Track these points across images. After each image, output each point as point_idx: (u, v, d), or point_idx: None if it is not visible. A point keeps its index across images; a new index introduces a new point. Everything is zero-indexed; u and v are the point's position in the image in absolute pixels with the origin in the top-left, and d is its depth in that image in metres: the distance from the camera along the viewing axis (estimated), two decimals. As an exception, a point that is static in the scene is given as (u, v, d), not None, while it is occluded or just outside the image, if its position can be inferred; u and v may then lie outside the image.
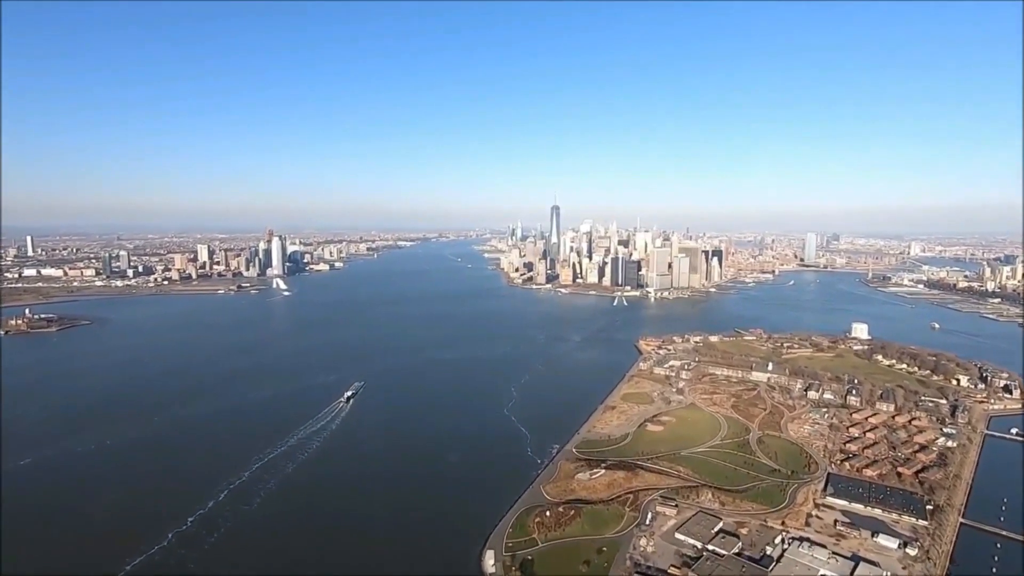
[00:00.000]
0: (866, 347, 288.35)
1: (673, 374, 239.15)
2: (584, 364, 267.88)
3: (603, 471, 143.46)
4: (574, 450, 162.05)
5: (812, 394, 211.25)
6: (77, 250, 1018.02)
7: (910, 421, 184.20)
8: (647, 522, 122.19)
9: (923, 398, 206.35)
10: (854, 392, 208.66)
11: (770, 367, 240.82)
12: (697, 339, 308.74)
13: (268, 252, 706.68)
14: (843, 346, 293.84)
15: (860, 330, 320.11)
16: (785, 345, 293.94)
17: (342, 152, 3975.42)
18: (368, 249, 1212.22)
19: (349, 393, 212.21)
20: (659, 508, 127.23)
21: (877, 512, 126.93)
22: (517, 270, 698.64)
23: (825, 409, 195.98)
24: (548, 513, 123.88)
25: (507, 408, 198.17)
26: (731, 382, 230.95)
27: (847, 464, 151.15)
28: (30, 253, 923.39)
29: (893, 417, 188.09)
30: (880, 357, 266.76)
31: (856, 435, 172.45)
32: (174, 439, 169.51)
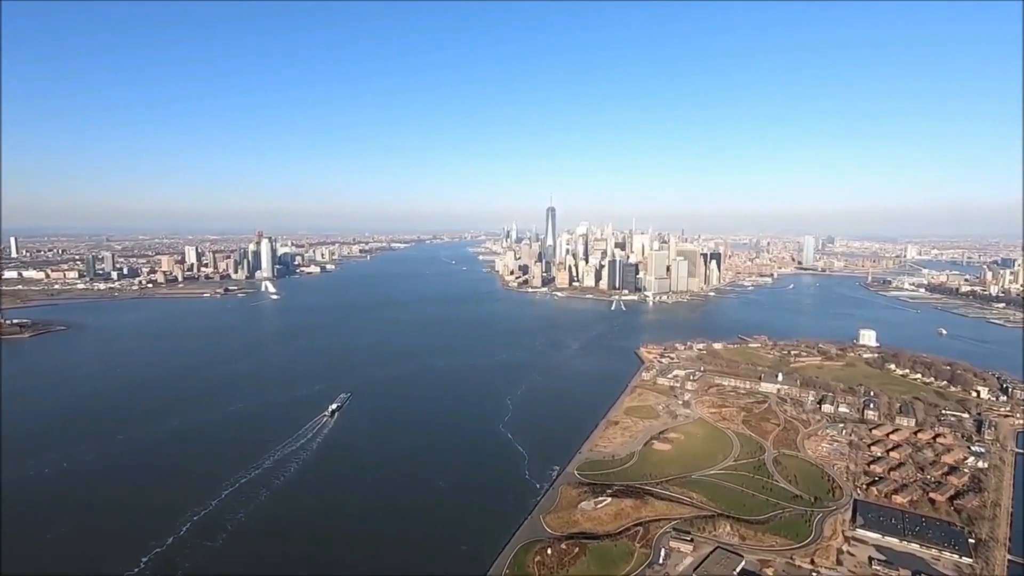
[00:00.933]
0: (876, 355, 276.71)
1: (678, 385, 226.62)
2: (583, 373, 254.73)
3: (609, 499, 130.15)
4: (576, 473, 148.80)
5: (827, 407, 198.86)
6: (63, 251, 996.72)
7: (934, 438, 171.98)
8: (660, 561, 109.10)
9: (944, 412, 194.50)
10: (871, 406, 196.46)
11: (780, 377, 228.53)
12: (700, 346, 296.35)
13: (257, 254, 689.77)
14: (852, 354, 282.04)
15: (868, 337, 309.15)
16: (792, 353, 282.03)
17: (337, 154, 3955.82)
18: (361, 251, 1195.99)
19: (334, 406, 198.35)
20: (673, 543, 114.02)
21: (914, 547, 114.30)
22: (512, 273, 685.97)
23: (842, 424, 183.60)
24: (549, 551, 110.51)
25: (503, 424, 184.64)
26: (739, 394, 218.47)
27: (874, 489, 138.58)
28: (14, 254, 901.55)
29: (915, 433, 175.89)
30: (892, 366, 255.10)
31: (879, 454, 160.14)
32: (136, 462, 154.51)
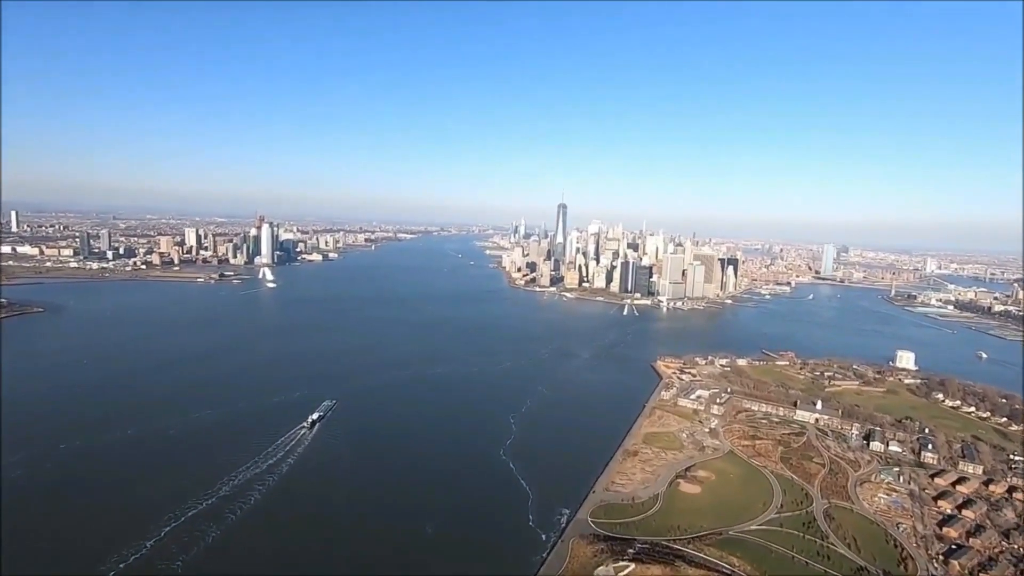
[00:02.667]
0: (919, 381, 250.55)
1: (702, 408, 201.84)
2: (595, 389, 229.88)
3: (632, 564, 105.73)
4: (589, 521, 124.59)
5: (875, 445, 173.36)
6: (65, 228, 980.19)
7: (1010, 492, 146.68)
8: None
9: (1014, 458, 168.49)
10: (930, 447, 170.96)
11: (819, 405, 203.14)
12: (723, 362, 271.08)
13: (257, 239, 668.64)
14: (892, 379, 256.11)
15: (906, 359, 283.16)
16: (825, 375, 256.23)
17: (348, 143, 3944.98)
18: (366, 240, 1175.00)
19: (315, 416, 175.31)
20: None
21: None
22: (519, 270, 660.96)
23: (897, 468, 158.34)
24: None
25: (504, 449, 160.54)
26: (772, 422, 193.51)
27: (955, 563, 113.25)
28: (14, 229, 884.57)
29: (985, 485, 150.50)
30: (940, 395, 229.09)
31: (949, 511, 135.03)
32: (68, 482, 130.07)
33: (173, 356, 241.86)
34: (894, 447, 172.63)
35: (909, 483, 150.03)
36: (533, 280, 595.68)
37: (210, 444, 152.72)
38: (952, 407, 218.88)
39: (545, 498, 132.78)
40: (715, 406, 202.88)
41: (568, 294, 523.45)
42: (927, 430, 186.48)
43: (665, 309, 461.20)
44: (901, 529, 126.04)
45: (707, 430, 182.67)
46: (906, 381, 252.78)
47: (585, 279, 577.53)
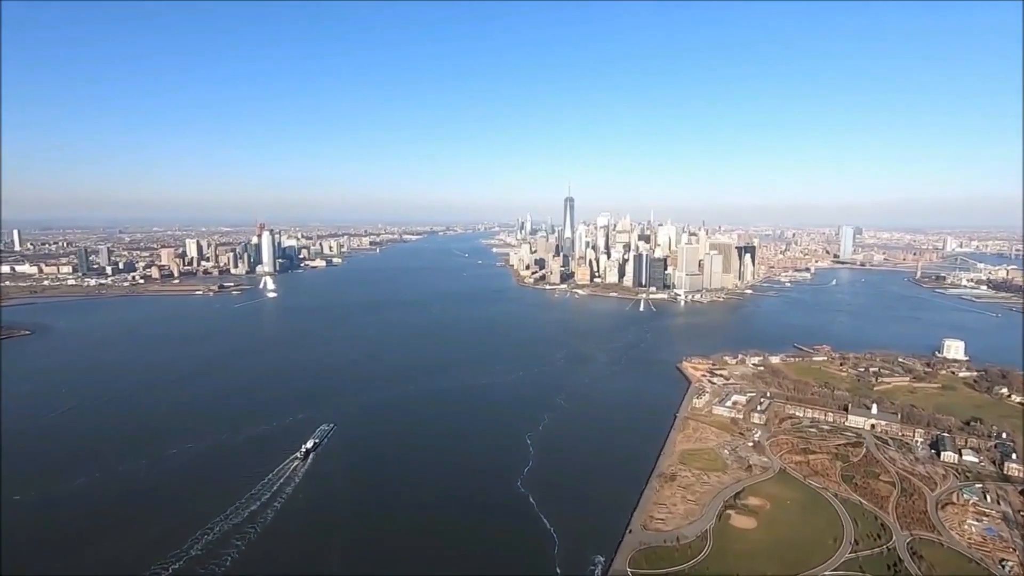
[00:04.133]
0: (975, 374, 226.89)
1: (740, 417, 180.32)
2: (619, 398, 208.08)
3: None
4: (629, 572, 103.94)
5: (947, 455, 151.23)
6: (68, 244, 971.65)
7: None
8: None
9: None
10: (1013, 455, 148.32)
11: (874, 409, 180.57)
12: (755, 360, 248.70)
13: (258, 247, 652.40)
14: (944, 372, 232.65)
15: (955, 349, 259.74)
16: (871, 370, 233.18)
17: (352, 144, 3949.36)
18: (371, 243, 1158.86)
19: (309, 445, 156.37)
20: None
21: None
22: (528, 267, 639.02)
23: (980, 485, 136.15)
24: None
25: (522, 478, 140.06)
26: (823, 431, 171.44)
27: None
28: (16, 247, 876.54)
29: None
30: (1004, 390, 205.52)
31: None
32: (16, 547, 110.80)
33: (156, 379, 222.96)
34: (969, 457, 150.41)
35: (999, 503, 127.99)
36: (542, 277, 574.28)
37: (184, 488, 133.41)
38: (1021, 403, 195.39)
39: (574, 541, 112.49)
40: (755, 413, 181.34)
41: (580, 291, 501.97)
42: (1003, 434, 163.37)
43: (683, 303, 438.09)
44: (1008, 569, 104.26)
45: (751, 444, 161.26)
46: (960, 374, 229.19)
47: (597, 274, 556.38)
